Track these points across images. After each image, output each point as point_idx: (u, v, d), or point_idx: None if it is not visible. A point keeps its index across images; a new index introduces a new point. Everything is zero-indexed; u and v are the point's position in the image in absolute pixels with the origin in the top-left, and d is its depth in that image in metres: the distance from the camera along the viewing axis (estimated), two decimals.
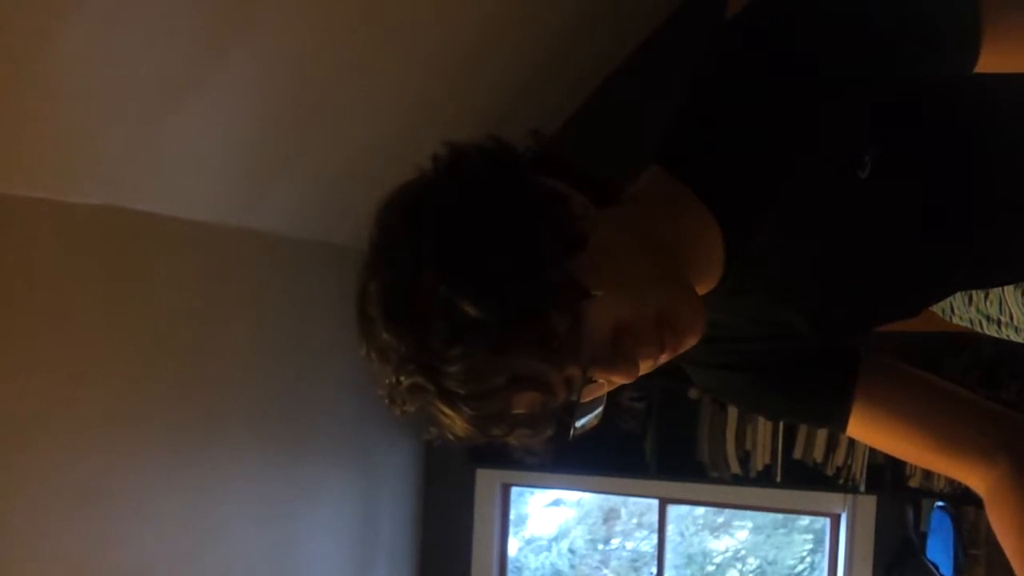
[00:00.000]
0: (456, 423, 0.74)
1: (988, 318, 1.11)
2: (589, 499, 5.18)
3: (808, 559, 4.91)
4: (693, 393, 3.73)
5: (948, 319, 1.19)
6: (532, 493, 4.87)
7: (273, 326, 3.08)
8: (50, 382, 2.23)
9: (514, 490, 4.38)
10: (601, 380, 0.77)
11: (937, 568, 3.41)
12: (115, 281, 2.40)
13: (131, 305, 2.46)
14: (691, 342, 0.80)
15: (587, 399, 0.79)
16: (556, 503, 5.24)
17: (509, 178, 0.77)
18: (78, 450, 2.31)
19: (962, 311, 1.15)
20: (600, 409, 0.82)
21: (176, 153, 2.33)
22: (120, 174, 2.26)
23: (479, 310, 0.70)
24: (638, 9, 3.76)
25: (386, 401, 0.77)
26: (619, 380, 0.77)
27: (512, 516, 4.41)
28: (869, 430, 1.01)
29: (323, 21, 2.31)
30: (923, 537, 3.53)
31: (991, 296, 1.09)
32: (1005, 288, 1.06)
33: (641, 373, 0.79)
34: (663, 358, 0.79)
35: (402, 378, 0.74)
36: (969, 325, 1.16)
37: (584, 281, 0.73)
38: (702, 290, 0.88)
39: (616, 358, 0.76)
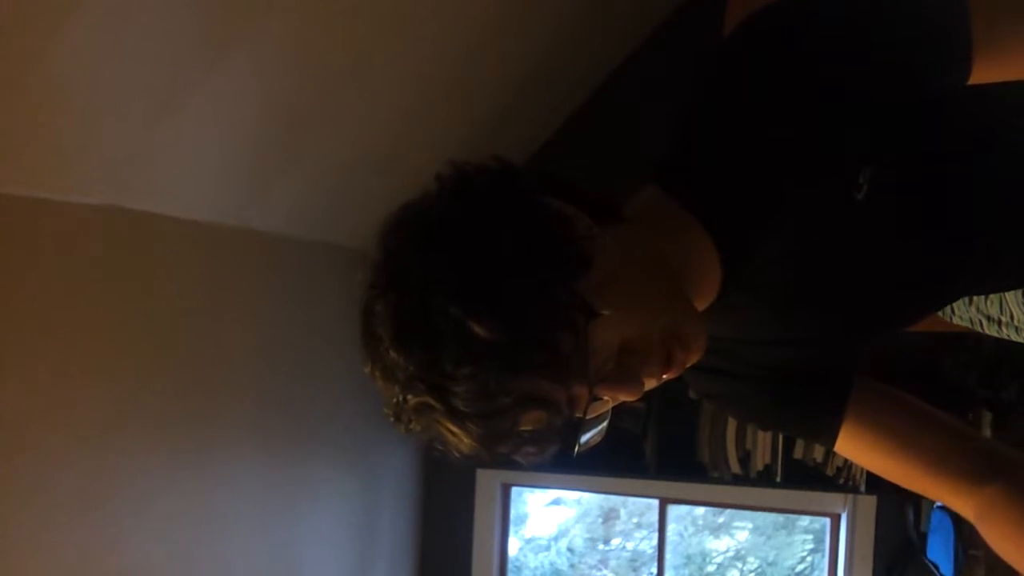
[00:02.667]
0: (463, 441, 0.75)
1: (988, 318, 1.12)
2: (589, 498, 5.18)
3: (808, 559, 4.91)
4: (693, 393, 3.72)
5: (948, 319, 1.19)
6: (532, 492, 4.87)
7: (273, 326, 3.08)
8: (50, 382, 2.23)
9: (514, 489, 4.38)
10: (607, 397, 0.78)
11: (937, 568, 3.41)
12: (115, 281, 2.40)
13: (131, 305, 2.46)
14: (694, 359, 0.81)
15: (593, 415, 0.79)
16: (556, 502, 5.24)
17: (515, 199, 0.77)
18: (77, 450, 2.31)
19: (962, 311, 1.15)
20: (605, 424, 0.82)
21: (176, 153, 2.33)
22: (120, 174, 2.26)
23: (489, 331, 0.70)
24: (635, 11, 3.76)
25: (391, 419, 0.78)
26: (624, 398, 0.78)
27: (512, 515, 4.41)
28: (857, 448, 1.02)
29: (322, 21, 2.31)
30: (923, 537, 3.53)
31: (991, 296, 1.09)
32: None
33: (646, 390, 0.79)
34: (667, 375, 0.80)
35: (409, 396, 0.74)
36: (969, 325, 1.16)
37: (591, 300, 0.74)
38: (700, 305, 0.88)
39: (622, 376, 0.76)
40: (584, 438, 0.80)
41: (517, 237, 0.74)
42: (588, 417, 0.78)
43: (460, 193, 0.77)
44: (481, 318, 0.70)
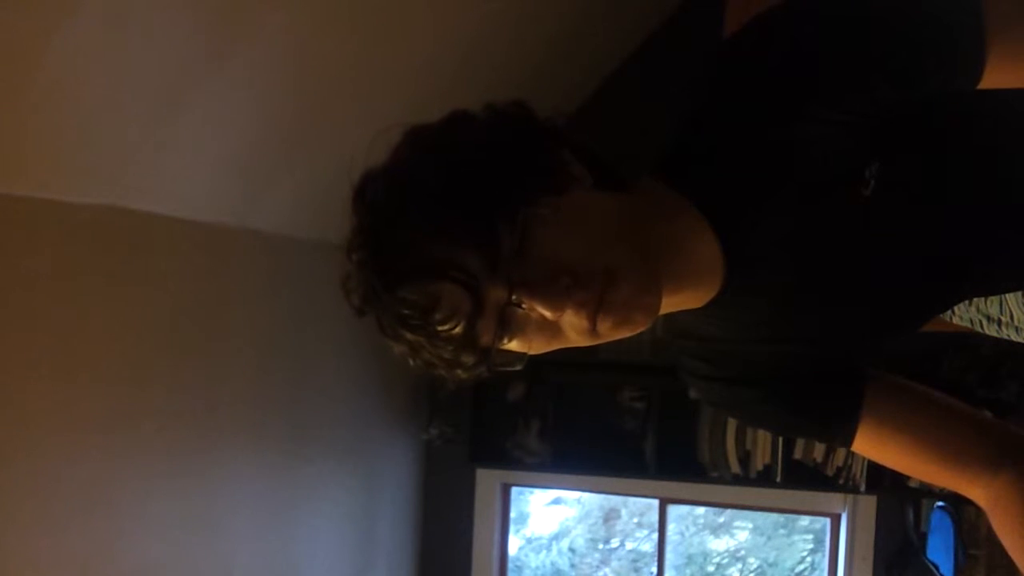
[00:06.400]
0: (385, 310, 0.82)
1: (988, 318, 1.11)
2: (589, 498, 5.18)
3: (808, 559, 4.91)
4: (693, 393, 3.72)
5: (948, 319, 1.19)
6: (532, 492, 4.87)
7: (273, 326, 3.08)
8: (50, 382, 2.23)
9: (514, 489, 4.38)
10: (524, 306, 0.78)
11: (937, 568, 3.41)
12: (115, 281, 2.40)
13: (131, 305, 2.46)
14: (637, 317, 0.79)
15: (510, 347, 0.82)
16: (557, 501, 5.24)
17: (517, 118, 0.86)
18: (77, 451, 2.31)
19: (962, 311, 1.15)
20: (519, 364, 0.85)
21: (176, 153, 2.33)
22: (120, 174, 2.26)
23: (439, 189, 0.79)
24: (636, 10, 3.76)
25: (345, 294, 0.89)
26: (542, 310, 0.78)
27: (513, 514, 4.42)
28: (874, 446, 1.01)
29: (321, 21, 2.31)
30: (923, 537, 3.54)
31: (991, 297, 1.09)
32: None
33: (572, 328, 0.80)
34: (601, 321, 0.78)
35: (353, 255, 0.85)
36: (969, 325, 1.16)
37: (543, 203, 0.78)
38: (703, 297, 0.88)
39: (548, 288, 0.77)
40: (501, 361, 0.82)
41: (497, 136, 0.82)
42: (507, 346, 0.80)
43: (488, 113, 0.87)
44: (436, 176, 0.80)
